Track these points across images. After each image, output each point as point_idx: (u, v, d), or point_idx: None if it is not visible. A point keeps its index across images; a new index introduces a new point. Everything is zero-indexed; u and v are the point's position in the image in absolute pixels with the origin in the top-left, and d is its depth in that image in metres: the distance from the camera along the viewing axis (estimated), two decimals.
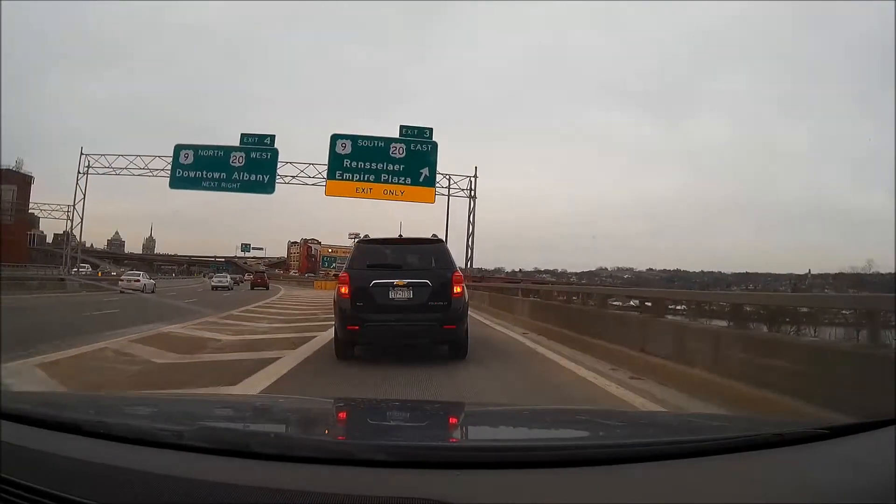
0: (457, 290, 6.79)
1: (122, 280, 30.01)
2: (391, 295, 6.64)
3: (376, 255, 7.17)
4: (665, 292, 10.63)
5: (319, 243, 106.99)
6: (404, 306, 6.64)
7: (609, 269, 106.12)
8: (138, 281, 29.29)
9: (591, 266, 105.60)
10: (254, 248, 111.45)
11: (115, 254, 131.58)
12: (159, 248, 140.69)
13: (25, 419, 1.36)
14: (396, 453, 1.17)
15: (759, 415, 3.74)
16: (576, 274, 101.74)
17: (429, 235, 7.86)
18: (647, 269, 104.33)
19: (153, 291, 28.11)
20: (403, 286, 6.66)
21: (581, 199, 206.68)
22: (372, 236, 7.75)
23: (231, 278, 46.24)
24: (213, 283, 40.90)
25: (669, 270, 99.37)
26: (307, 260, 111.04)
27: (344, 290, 6.71)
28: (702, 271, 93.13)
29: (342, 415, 2.02)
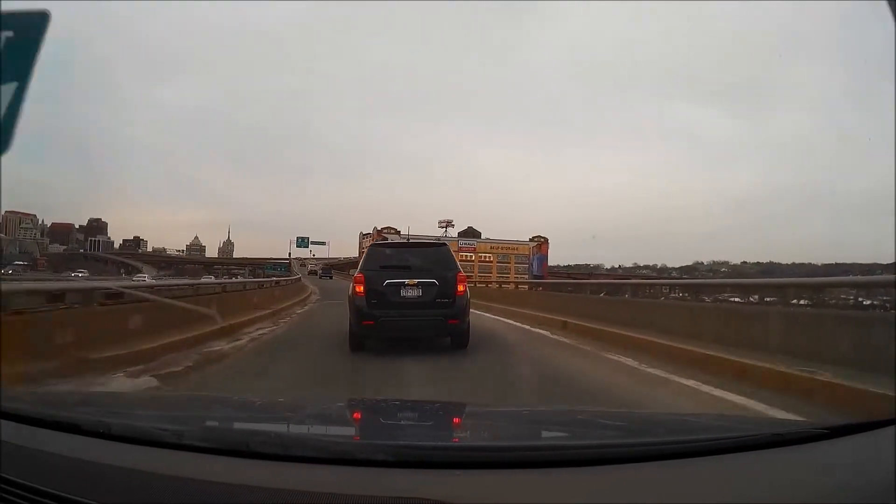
0: (460, 288, 7.36)
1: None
2: (402, 293, 7.27)
3: (388, 257, 7.87)
4: None
5: (398, 233, 79.19)
6: (414, 303, 7.23)
7: (706, 263, 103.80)
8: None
9: (687, 260, 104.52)
10: (313, 243, 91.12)
11: (179, 257, 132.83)
12: (238, 252, 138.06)
13: (25, 418, 1.36)
14: (397, 453, 1.16)
15: (759, 415, 3.74)
16: (675, 269, 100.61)
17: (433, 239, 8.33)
18: (742, 262, 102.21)
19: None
20: (413, 285, 7.28)
21: (671, 194, 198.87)
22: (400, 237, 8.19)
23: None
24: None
25: (763, 263, 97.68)
26: None
27: (360, 288, 7.33)
28: (793, 263, 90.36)
29: (342, 415, 2.02)
